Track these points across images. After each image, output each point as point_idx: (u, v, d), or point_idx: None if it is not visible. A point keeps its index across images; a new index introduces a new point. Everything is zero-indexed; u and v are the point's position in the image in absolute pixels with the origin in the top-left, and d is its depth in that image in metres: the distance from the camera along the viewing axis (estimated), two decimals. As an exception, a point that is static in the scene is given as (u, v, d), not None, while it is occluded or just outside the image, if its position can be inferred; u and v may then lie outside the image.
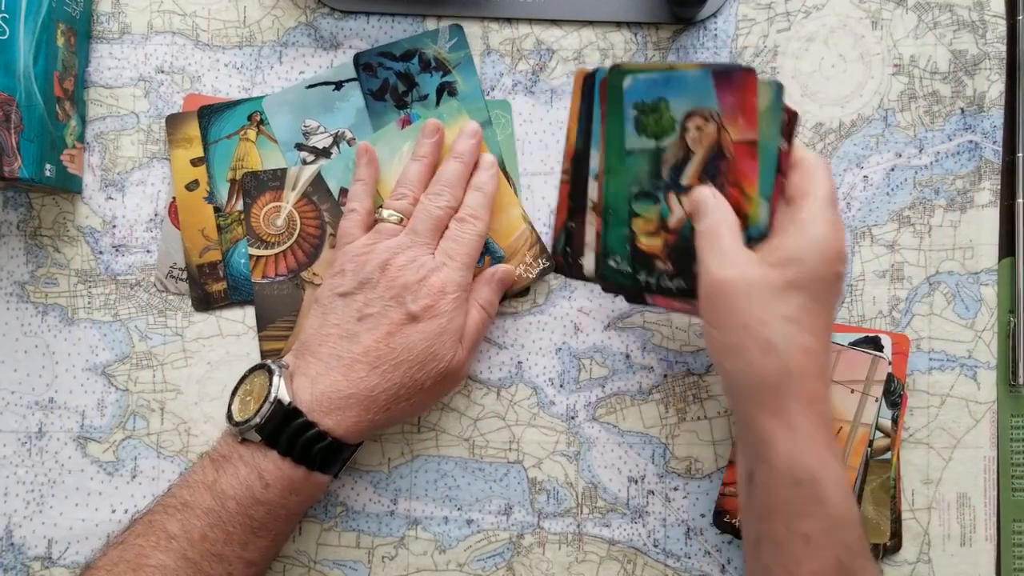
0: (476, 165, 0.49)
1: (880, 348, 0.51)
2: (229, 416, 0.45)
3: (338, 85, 0.50)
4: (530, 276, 0.51)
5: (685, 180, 0.43)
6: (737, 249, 0.40)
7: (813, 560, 0.39)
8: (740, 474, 0.42)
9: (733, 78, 0.42)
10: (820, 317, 0.40)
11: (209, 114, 0.51)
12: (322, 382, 0.44)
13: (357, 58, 0.51)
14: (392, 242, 0.46)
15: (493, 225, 0.50)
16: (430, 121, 0.49)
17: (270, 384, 0.44)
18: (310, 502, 0.46)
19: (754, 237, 0.41)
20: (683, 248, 0.44)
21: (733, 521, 0.47)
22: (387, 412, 0.45)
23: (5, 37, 0.45)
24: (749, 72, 0.41)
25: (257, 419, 0.43)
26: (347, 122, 0.51)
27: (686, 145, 0.43)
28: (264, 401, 0.43)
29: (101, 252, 0.51)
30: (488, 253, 0.50)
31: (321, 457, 0.44)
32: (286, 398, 0.43)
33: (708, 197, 0.42)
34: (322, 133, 0.51)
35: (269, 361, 0.46)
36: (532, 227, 0.51)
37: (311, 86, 0.50)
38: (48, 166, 0.47)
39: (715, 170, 0.43)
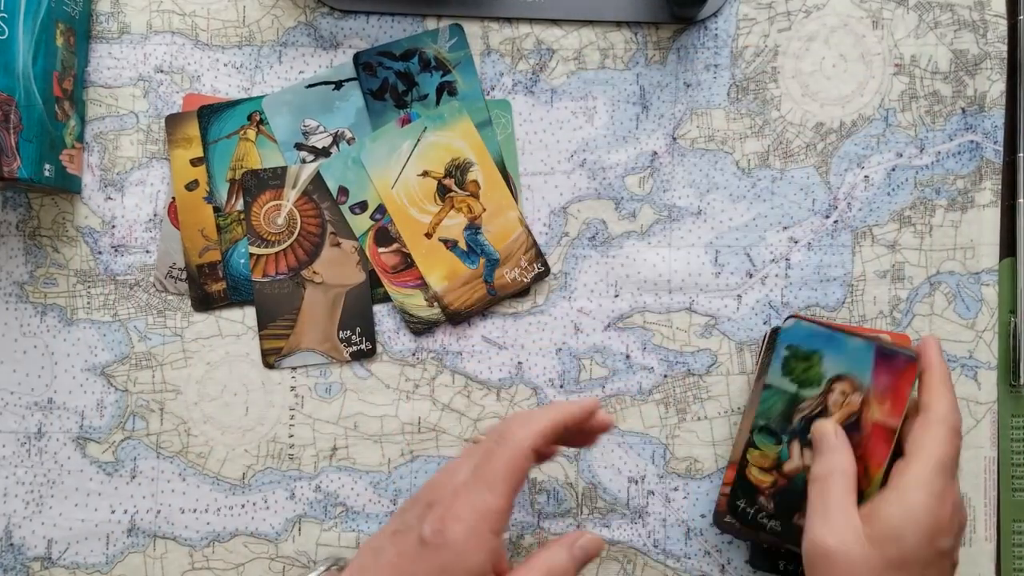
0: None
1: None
2: None
3: (338, 85, 0.50)
4: (525, 280, 0.51)
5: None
6: (844, 511, 0.40)
7: None
8: None
9: (896, 362, 0.44)
10: None
11: (208, 114, 0.51)
12: None
13: (357, 57, 0.51)
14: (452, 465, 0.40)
15: (488, 228, 0.50)
16: None
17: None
18: None
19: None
20: (790, 496, 0.46)
21: (733, 521, 0.48)
22: None
23: (4, 37, 0.45)
24: (912, 361, 0.43)
25: None
26: (347, 121, 0.51)
27: (826, 403, 0.45)
28: None
29: (100, 252, 0.51)
30: (483, 255, 0.50)
31: None
32: None
33: (830, 435, 0.42)
34: (321, 133, 0.51)
35: None
36: (529, 231, 0.51)
37: (310, 86, 0.50)
38: (47, 166, 0.47)
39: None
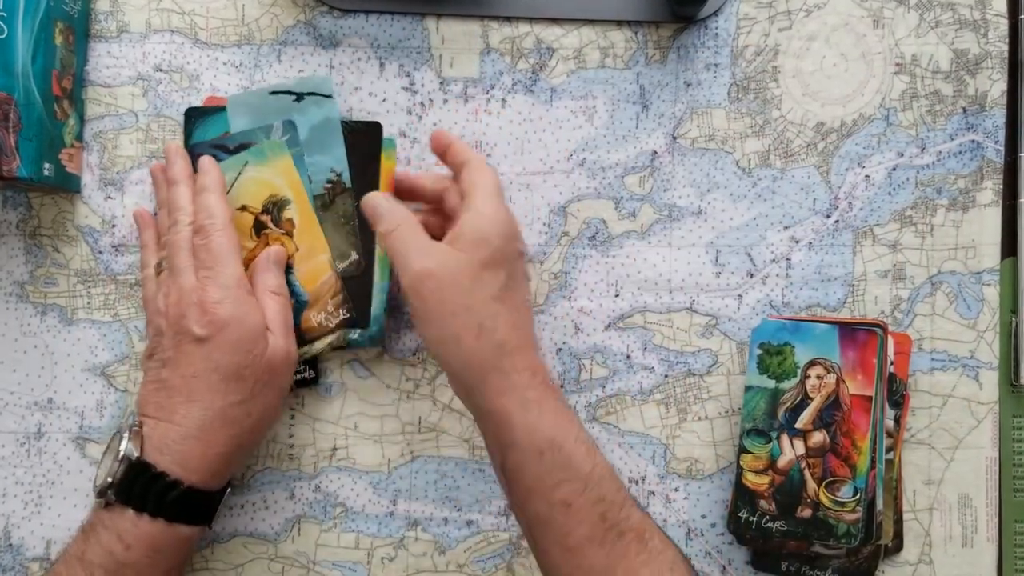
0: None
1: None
2: (94, 484, 0.44)
3: (299, 96, 0.49)
4: (329, 325, 0.49)
5: (800, 424, 0.47)
6: (428, 241, 0.42)
7: (579, 525, 0.40)
8: (496, 470, 0.43)
9: (858, 336, 0.47)
10: (518, 292, 0.43)
11: (195, 117, 0.50)
12: (157, 435, 0.43)
13: (192, 148, 0.49)
14: (162, 290, 0.45)
15: (300, 268, 0.49)
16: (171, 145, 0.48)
17: (119, 443, 0.43)
18: (181, 556, 0.45)
19: (860, 488, 0.46)
20: (789, 490, 0.47)
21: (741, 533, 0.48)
22: (231, 438, 0.43)
23: (3, 36, 0.45)
24: (872, 332, 0.46)
25: (109, 479, 0.42)
26: (301, 136, 0.49)
27: (805, 391, 0.48)
28: (114, 460, 0.42)
29: (100, 252, 0.51)
30: (293, 296, 0.49)
31: (177, 508, 0.42)
32: (133, 453, 0.42)
33: (380, 201, 0.44)
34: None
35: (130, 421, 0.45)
36: (338, 275, 0.49)
37: (274, 92, 0.49)
38: (47, 165, 0.47)
39: (830, 418, 0.47)
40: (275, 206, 0.48)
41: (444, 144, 0.47)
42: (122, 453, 0.42)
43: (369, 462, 0.51)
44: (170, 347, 0.44)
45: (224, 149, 0.48)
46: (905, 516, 0.51)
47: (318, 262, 0.49)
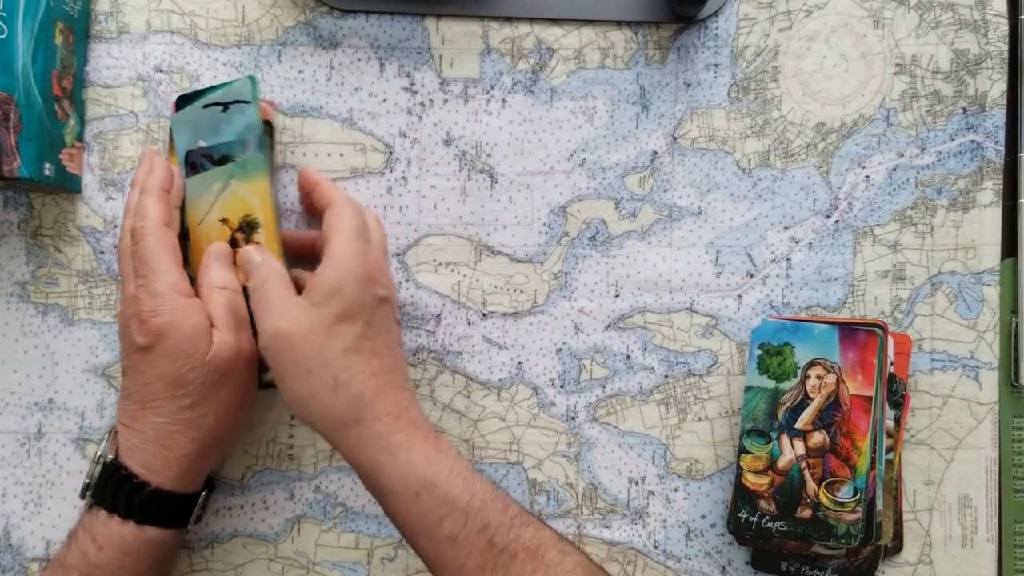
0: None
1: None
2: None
3: (225, 107, 0.48)
4: None
5: (800, 424, 0.48)
6: (287, 299, 0.42)
7: (469, 556, 0.40)
8: (387, 514, 0.42)
9: (858, 336, 0.47)
10: (379, 339, 0.42)
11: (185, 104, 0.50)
12: (124, 440, 0.43)
13: (187, 156, 0.48)
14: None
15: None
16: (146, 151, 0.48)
17: (99, 446, 0.45)
18: (151, 560, 0.44)
19: (860, 488, 0.46)
20: (789, 491, 0.47)
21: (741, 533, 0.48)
22: (192, 440, 0.43)
23: (4, 36, 0.45)
24: (872, 332, 0.47)
25: (87, 480, 0.44)
26: (229, 146, 0.48)
27: (805, 391, 0.48)
28: (93, 462, 0.44)
29: (102, 252, 0.51)
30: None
31: (146, 509, 0.43)
32: (108, 455, 0.44)
33: (254, 255, 0.44)
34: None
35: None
36: None
37: (207, 106, 0.48)
38: (47, 165, 0.47)
39: (830, 418, 0.47)
40: (248, 226, 0.47)
41: (310, 185, 0.47)
42: (99, 455, 0.44)
43: (369, 462, 0.51)
44: (124, 356, 0.44)
45: (209, 159, 0.47)
46: (905, 516, 0.51)
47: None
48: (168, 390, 0.42)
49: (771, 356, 0.48)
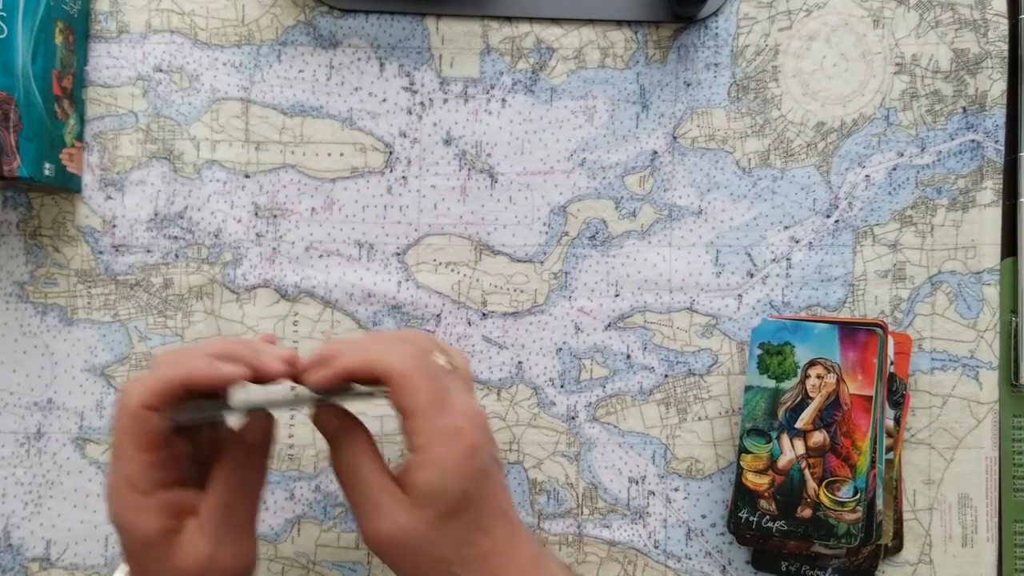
0: None
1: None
2: None
3: None
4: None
5: (800, 424, 0.48)
6: (384, 491, 0.38)
7: None
8: None
9: (858, 336, 0.48)
10: (487, 517, 0.38)
11: None
12: None
13: None
14: None
15: None
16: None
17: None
18: None
19: (860, 488, 0.46)
20: (789, 491, 0.47)
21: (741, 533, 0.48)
22: None
23: (3, 36, 0.45)
24: (872, 332, 0.47)
25: None
26: None
27: (805, 391, 0.48)
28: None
29: (101, 252, 0.51)
30: None
31: None
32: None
33: (335, 424, 0.40)
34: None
35: None
36: None
37: None
38: (47, 165, 0.47)
39: (830, 418, 0.47)
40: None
41: (335, 365, 0.39)
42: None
43: (369, 462, 0.51)
44: None
45: None
46: (905, 516, 0.51)
47: None
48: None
49: (771, 356, 0.48)
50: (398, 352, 0.38)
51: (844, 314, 0.52)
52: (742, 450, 0.48)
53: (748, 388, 0.49)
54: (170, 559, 0.37)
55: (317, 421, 0.40)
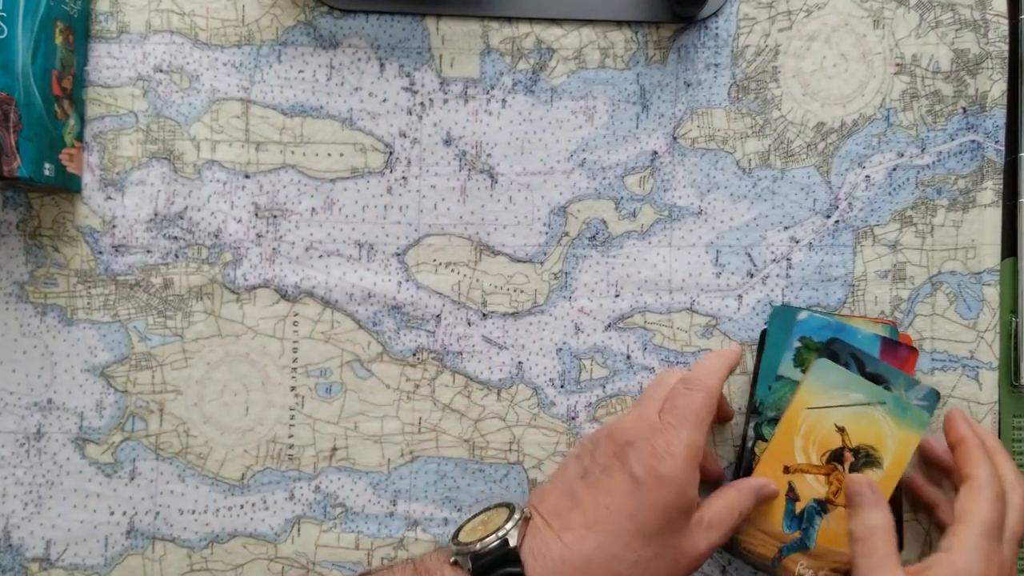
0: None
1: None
2: (456, 535, 0.42)
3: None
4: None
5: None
6: (893, 569, 0.40)
7: None
8: None
9: (899, 352, 0.47)
10: None
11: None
12: (539, 537, 0.40)
13: (830, 343, 0.47)
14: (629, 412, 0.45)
15: (831, 519, 0.45)
16: None
17: (507, 520, 0.41)
18: None
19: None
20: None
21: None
22: None
23: (3, 36, 0.45)
24: (913, 352, 0.47)
25: (478, 547, 0.40)
26: (888, 371, 0.47)
27: None
28: (492, 533, 0.40)
29: (101, 252, 0.51)
30: (803, 532, 0.45)
31: None
32: (513, 540, 0.40)
33: (866, 490, 0.42)
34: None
35: (519, 503, 0.43)
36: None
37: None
38: (47, 165, 0.47)
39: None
40: (866, 457, 0.45)
41: (956, 436, 0.45)
42: (503, 532, 0.40)
43: (369, 462, 0.51)
44: (600, 466, 0.42)
45: (858, 362, 0.46)
46: (905, 516, 0.51)
47: (846, 530, 0.44)
48: (627, 533, 0.39)
49: (810, 351, 0.48)
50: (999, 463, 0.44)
51: (844, 314, 0.52)
52: (759, 437, 0.47)
53: (778, 378, 0.48)
54: (678, 534, 0.40)
55: (850, 480, 0.43)
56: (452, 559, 0.41)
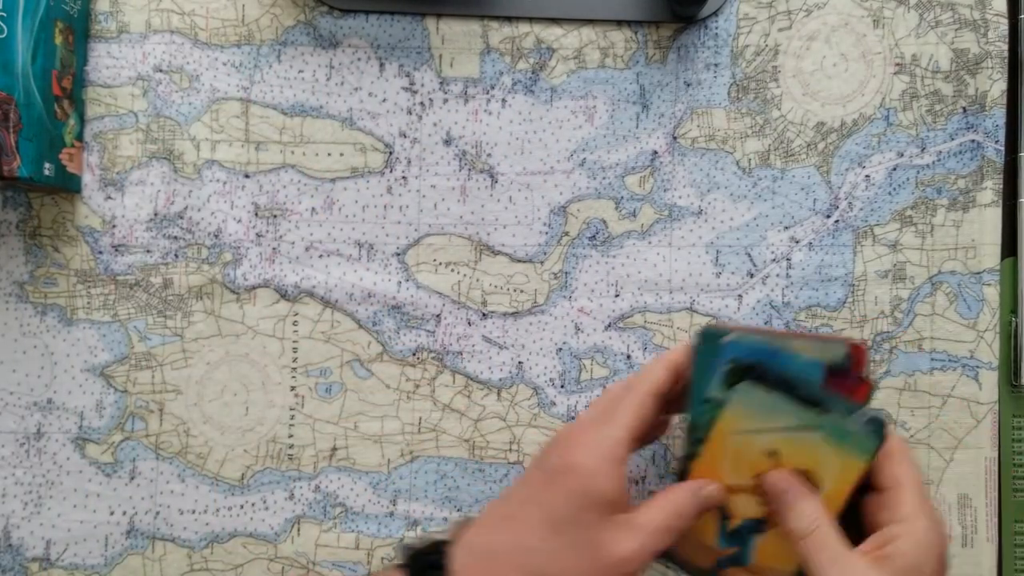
0: None
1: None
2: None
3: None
4: None
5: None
6: (850, 557, 0.38)
7: None
8: None
9: (847, 380, 0.41)
10: None
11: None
12: (471, 531, 0.41)
13: (757, 363, 0.42)
14: None
15: (767, 538, 0.43)
16: None
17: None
18: None
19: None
20: None
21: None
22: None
23: (3, 36, 0.45)
24: (864, 383, 0.41)
25: (418, 544, 0.41)
26: (825, 394, 0.42)
27: None
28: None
29: (100, 252, 0.51)
30: (737, 549, 0.43)
31: None
32: (448, 536, 0.41)
33: (785, 483, 0.40)
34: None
35: None
36: None
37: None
38: (47, 165, 0.47)
39: None
40: (805, 476, 0.41)
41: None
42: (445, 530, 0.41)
43: (369, 462, 0.51)
44: (532, 467, 0.42)
45: (787, 385, 0.41)
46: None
47: (789, 553, 0.41)
48: (539, 523, 0.39)
49: (737, 375, 0.42)
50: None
51: (844, 314, 0.52)
52: (691, 456, 0.42)
53: (706, 400, 0.42)
54: (592, 530, 0.38)
55: (770, 480, 0.41)
56: (398, 562, 0.41)
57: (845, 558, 0.38)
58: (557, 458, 0.40)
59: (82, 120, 0.51)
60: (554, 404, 0.52)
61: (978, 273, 0.52)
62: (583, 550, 0.38)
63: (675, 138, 0.52)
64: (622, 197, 0.52)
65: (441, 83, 0.52)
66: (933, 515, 0.39)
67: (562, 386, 0.52)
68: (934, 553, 0.38)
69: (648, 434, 0.44)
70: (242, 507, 0.51)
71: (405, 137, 0.52)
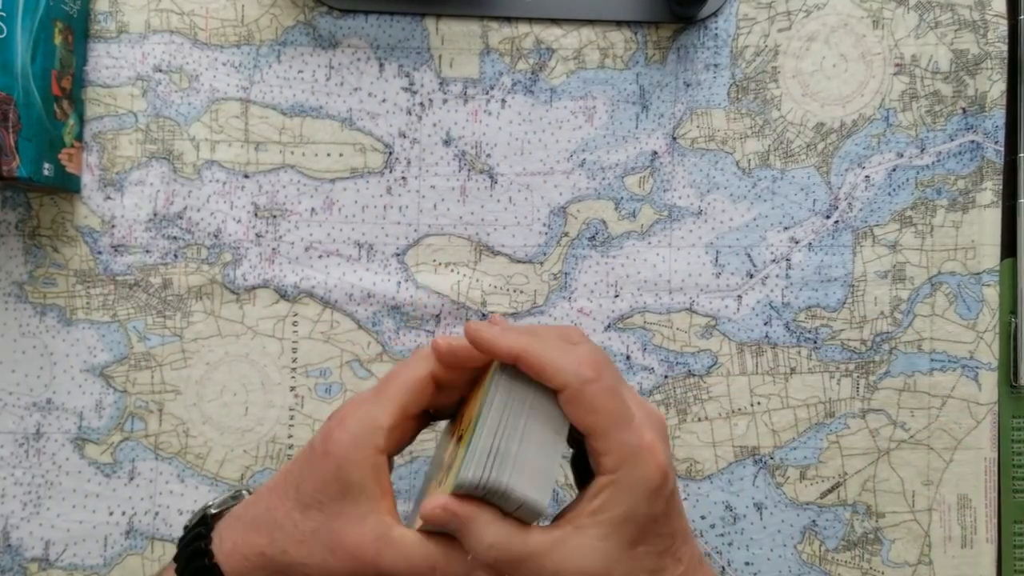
0: None
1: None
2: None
3: None
4: None
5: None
6: (565, 523, 0.35)
7: None
8: None
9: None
10: (676, 541, 0.36)
11: None
12: (240, 503, 0.39)
13: None
14: None
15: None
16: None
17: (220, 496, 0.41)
18: None
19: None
20: None
21: None
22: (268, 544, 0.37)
23: (3, 36, 0.45)
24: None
25: (183, 531, 0.39)
26: None
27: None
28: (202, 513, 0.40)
29: (100, 252, 0.51)
30: None
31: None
32: (211, 511, 0.39)
33: (436, 507, 0.35)
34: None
35: None
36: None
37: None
38: (47, 165, 0.47)
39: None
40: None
41: (486, 344, 0.36)
42: (209, 503, 0.40)
43: (369, 463, 0.51)
44: (312, 439, 0.39)
45: None
46: (904, 517, 0.51)
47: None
48: (290, 490, 0.37)
49: None
50: (573, 358, 0.35)
51: (844, 315, 0.52)
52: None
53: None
54: (342, 492, 0.36)
55: (423, 511, 0.36)
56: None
57: (559, 530, 0.35)
58: (321, 436, 0.37)
59: (81, 120, 0.51)
60: (554, 404, 0.52)
61: (978, 274, 0.52)
62: (326, 538, 0.36)
63: (675, 138, 0.52)
64: (622, 198, 0.52)
65: (441, 83, 0.52)
66: (638, 455, 0.34)
67: (562, 386, 0.52)
68: (640, 492, 0.34)
69: (417, 427, 0.40)
70: (241, 507, 0.51)
71: (405, 137, 0.52)
